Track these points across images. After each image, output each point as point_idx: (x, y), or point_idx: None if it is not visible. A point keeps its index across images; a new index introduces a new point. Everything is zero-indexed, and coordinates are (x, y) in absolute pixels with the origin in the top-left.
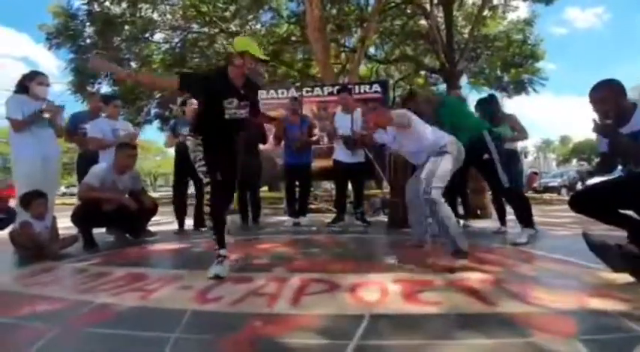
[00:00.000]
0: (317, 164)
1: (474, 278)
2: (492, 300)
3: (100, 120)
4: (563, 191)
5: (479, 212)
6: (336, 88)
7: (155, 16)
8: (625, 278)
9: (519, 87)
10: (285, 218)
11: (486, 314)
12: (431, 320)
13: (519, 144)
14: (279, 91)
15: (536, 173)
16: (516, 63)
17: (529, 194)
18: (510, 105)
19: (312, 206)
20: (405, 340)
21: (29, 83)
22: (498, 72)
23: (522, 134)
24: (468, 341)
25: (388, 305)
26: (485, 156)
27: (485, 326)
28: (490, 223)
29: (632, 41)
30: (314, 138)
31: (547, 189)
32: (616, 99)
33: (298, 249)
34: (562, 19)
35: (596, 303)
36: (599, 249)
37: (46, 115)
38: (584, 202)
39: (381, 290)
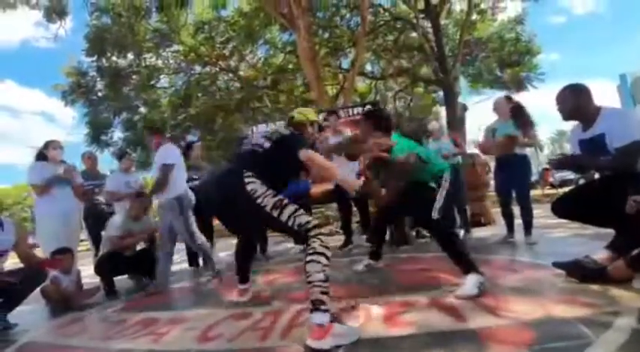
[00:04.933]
0: (318, 188)
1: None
2: (466, 316)
3: (115, 174)
4: (581, 183)
5: (482, 219)
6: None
7: (159, 63)
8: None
9: (519, 85)
10: (293, 244)
11: (456, 331)
12: (402, 341)
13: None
14: (277, 124)
15: (547, 168)
16: (513, 61)
17: (546, 190)
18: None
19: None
20: None
21: (46, 151)
22: (497, 72)
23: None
24: None
25: (368, 329)
26: None
27: (452, 342)
28: (493, 230)
29: (635, 18)
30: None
31: (564, 183)
32: (577, 101)
33: (299, 278)
34: (559, 8)
35: (560, 311)
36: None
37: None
38: (565, 208)
39: (365, 315)
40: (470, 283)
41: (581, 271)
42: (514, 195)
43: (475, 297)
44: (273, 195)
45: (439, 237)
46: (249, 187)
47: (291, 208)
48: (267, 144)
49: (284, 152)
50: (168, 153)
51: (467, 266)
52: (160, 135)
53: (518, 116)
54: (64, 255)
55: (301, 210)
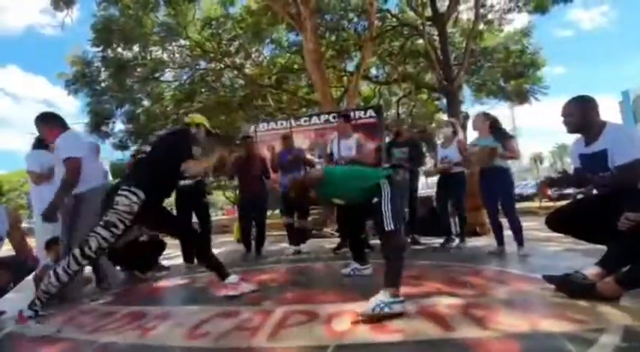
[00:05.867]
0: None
1: (445, 303)
2: (453, 326)
3: None
4: (579, 197)
5: (477, 229)
6: (332, 115)
7: (165, 56)
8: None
9: (522, 97)
10: (288, 245)
11: (441, 340)
12: (387, 348)
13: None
14: (279, 123)
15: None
16: (517, 73)
17: (543, 203)
18: (519, 112)
19: (316, 231)
20: None
21: None
22: (501, 82)
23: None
24: None
25: (355, 334)
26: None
27: (439, 351)
28: (488, 241)
29: None
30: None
31: (562, 197)
32: (584, 114)
33: (292, 279)
34: (566, 22)
35: (546, 325)
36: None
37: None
38: (559, 221)
39: (353, 320)
40: (375, 299)
41: (570, 286)
42: (500, 206)
43: (379, 317)
44: (119, 216)
45: (388, 249)
46: (116, 198)
47: (111, 233)
48: (147, 149)
49: (165, 147)
50: (71, 143)
51: (390, 282)
52: (49, 124)
53: (496, 131)
54: (56, 245)
55: (105, 241)
